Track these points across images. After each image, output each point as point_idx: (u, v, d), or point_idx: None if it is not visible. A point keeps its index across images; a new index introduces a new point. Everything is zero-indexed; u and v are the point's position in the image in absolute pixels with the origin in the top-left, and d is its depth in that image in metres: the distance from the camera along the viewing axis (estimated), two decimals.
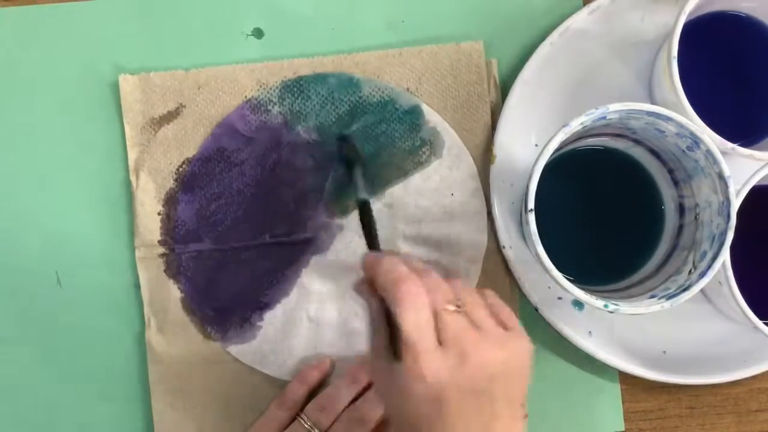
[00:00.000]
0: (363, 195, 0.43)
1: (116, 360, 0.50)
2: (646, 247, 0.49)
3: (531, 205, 0.43)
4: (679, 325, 0.50)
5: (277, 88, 0.50)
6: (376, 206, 0.50)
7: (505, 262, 0.49)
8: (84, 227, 0.50)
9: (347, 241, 0.50)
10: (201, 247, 0.50)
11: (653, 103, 0.49)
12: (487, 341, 0.36)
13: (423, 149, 0.50)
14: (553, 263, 0.43)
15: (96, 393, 0.50)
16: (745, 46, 0.49)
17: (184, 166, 0.50)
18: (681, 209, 0.48)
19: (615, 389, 0.51)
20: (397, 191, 0.50)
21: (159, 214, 0.50)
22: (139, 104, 0.50)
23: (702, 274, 0.43)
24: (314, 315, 0.50)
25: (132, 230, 0.50)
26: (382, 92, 0.50)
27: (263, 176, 0.50)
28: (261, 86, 0.50)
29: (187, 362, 0.49)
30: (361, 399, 0.48)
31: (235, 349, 0.50)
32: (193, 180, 0.50)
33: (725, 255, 0.43)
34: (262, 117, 0.50)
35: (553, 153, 0.43)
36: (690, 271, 0.44)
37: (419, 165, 0.50)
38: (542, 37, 0.50)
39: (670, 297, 0.43)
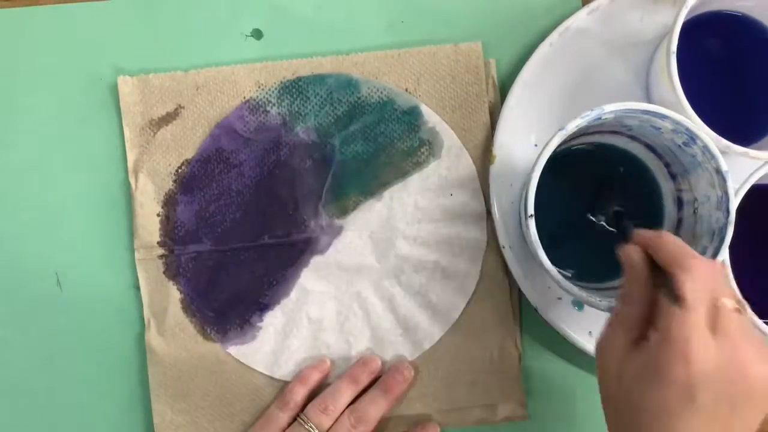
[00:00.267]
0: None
1: (116, 361, 0.50)
2: None
3: (531, 210, 0.43)
4: None
5: (276, 88, 0.50)
6: (376, 206, 0.50)
7: (504, 262, 0.49)
8: (83, 229, 0.50)
9: (347, 241, 0.50)
10: (200, 248, 0.50)
11: (650, 101, 0.49)
12: (760, 353, 0.33)
13: (422, 150, 0.50)
14: (553, 261, 0.43)
15: (96, 394, 0.50)
16: (741, 46, 0.48)
17: (183, 167, 0.50)
18: (679, 203, 0.48)
19: None
20: (396, 191, 0.50)
21: (158, 215, 0.50)
22: (138, 106, 0.50)
23: None
24: (314, 315, 0.50)
25: (131, 232, 0.50)
26: (381, 93, 0.50)
27: (262, 177, 0.50)
28: (260, 87, 0.50)
29: (187, 363, 0.49)
30: (361, 399, 0.48)
31: (235, 350, 0.50)
32: (192, 181, 0.50)
33: (726, 250, 0.43)
34: (261, 118, 0.50)
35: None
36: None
37: (418, 165, 0.50)
38: (542, 37, 0.50)
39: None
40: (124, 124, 0.50)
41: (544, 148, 0.42)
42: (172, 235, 0.50)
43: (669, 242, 0.36)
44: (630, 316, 0.36)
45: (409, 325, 0.50)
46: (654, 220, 0.49)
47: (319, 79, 0.50)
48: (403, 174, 0.50)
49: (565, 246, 0.48)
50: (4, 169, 0.50)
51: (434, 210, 0.50)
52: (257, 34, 0.51)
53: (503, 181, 0.49)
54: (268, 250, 0.50)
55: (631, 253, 0.37)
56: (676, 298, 0.33)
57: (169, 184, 0.50)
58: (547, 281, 0.47)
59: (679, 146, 0.44)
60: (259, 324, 0.50)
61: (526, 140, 0.49)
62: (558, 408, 0.51)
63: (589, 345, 0.48)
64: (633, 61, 0.50)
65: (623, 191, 0.49)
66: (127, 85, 0.50)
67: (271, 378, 0.50)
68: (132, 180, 0.50)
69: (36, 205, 0.50)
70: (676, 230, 0.48)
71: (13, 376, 0.50)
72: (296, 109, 0.50)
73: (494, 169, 0.49)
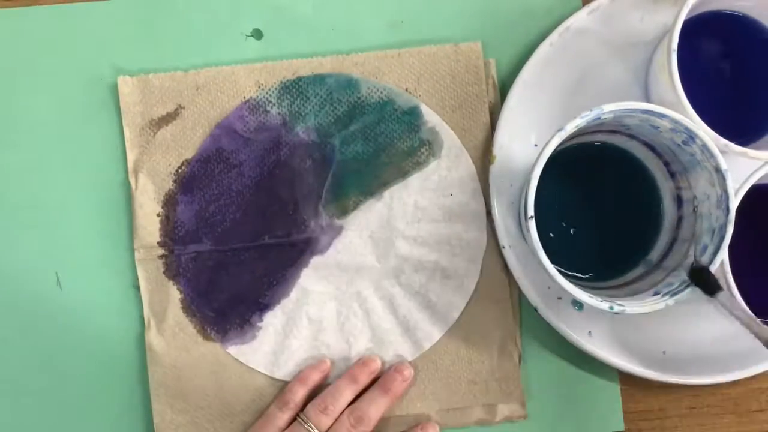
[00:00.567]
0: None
1: (116, 361, 0.50)
2: (646, 240, 0.49)
3: (531, 212, 0.42)
4: (679, 325, 0.50)
5: (276, 88, 0.50)
6: (376, 206, 0.50)
7: (504, 262, 0.49)
8: (83, 229, 0.50)
9: (347, 241, 0.50)
10: (200, 248, 0.50)
11: (649, 101, 0.49)
12: None
13: (422, 149, 0.50)
14: (553, 262, 0.42)
15: (96, 394, 0.50)
16: (741, 46, 0.49)
17: (183, 167, 0.50)
18: (679, 200, 0.48)
19: (615, 389, 0.51)
20: (396, 191, 0.50)
21: (158, 215, 0.50)
22: (138, 106, 0.50)
23: None
24: (314, 315, 0.50)
25: (131, 232, 0.50)
26: (381, 93, 0.50)
27: (262, 177, 0.50)
28: (260, 87, 0.50)
29: (187, 363, 0.49)
30: (361, 399, 0.48)
31: (235, 350, 0.50)
32: (192, 181, 0.50)
33: (726, 249, 0.43)
34: (261, 118, 0.50)
35: None
36: (692, 264, 0.44)
37: (418, 165, 0.50)
38: (542, 37, 0.50)
39: (673, 293, 0.43)
40: (124, 124, 0.50)
41: (543, 148, 0.42)
42: (172, 235, 0.50)
43: None
44: None
45: (409, 325, 0.50)
46: (654, 219, 0.49)
47: (319, 79, 0.50)
48: (403, 174, 0.50)
49: (566, 246, 0.48)
50: (3, 169, 0.50)
51: (434, 210, 0.50)
52: (257, 34, 0.51)
53: (503, 182, 0.49)
54: (268, 250, 0.50)
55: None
56: None
57: (169, 184, 0.50)
58: (547, 281, 0.47)
59: (678, 145, 0.44)
60: (259, 324, 0.50)
61: (526, 140, 0.49)
62: (558, 408, 0.51)
63: (589, 345, 0.48)
64: (633, 61, 0.50)
65: (623, 190, 0.49)
66: (127, 85, 0.50)
67: (271, 378, 0.50)
68: (132, 180, 0.50)
69: (36, 205, 0.50)
70: (677, 229, 0.48)
71: (13, 376, 0.50)
72: (296, 109, 0.50)
73: (494, 169, 0.49)
